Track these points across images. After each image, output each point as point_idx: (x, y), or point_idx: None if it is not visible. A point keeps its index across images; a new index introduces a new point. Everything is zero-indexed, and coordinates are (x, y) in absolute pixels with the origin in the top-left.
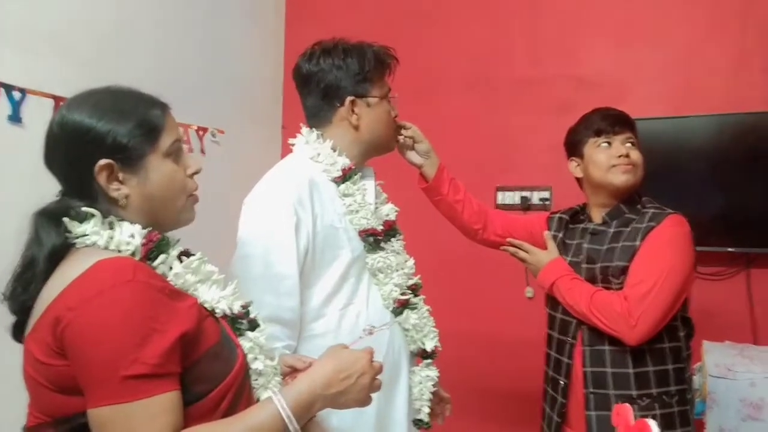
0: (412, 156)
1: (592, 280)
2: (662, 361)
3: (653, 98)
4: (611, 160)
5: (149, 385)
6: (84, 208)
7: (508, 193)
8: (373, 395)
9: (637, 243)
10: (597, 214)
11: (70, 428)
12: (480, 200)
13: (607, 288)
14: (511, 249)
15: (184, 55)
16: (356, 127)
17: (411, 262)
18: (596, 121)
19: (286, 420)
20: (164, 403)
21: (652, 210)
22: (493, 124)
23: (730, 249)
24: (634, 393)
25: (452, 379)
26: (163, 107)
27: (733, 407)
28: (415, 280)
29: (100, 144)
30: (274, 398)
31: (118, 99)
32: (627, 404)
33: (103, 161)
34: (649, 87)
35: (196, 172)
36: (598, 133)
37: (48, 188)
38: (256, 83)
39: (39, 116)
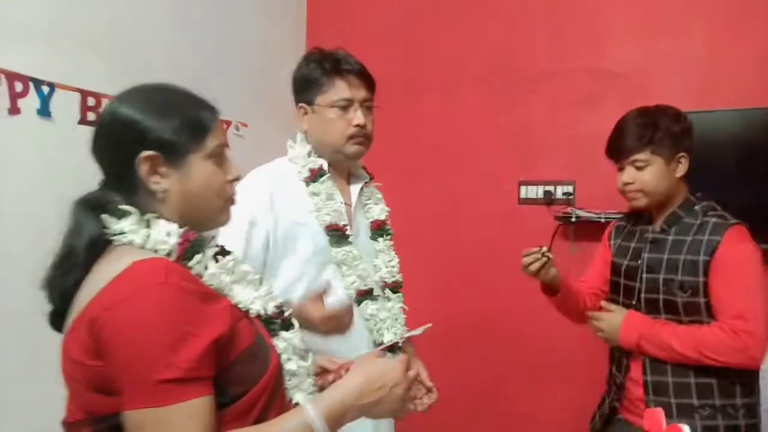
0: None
1: (653, 290)
2: (725, 373)
3: (678, 91)
4: (621, 185)
5: (183, 389)
6: (122, 206)
7: (531, 188)
8: None
9: (702, 258)
10: (655, 218)
11: (106, 427)
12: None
13: (672, 300)
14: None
15: (205, 49)
16: (306, 132)
17: (395, 261)
18: (611, 138)
19: (318, 431)
20: (198, 407)
21: (714, 219)
22: (515, 118)
23: (763, 246)
24: (696, 402)
25: (469, 374)
26: (213, 110)
27: None
28: (396, 277)
29: (146, 136)
30: (306, 407)
31: (170, 96)
32: (659, 408)
33: (146, 153)
34: (674, 80)
35: (236, 180)
36: (609, 156)
37: (77, 180)
38: (278, 76)
39: (67, 110)
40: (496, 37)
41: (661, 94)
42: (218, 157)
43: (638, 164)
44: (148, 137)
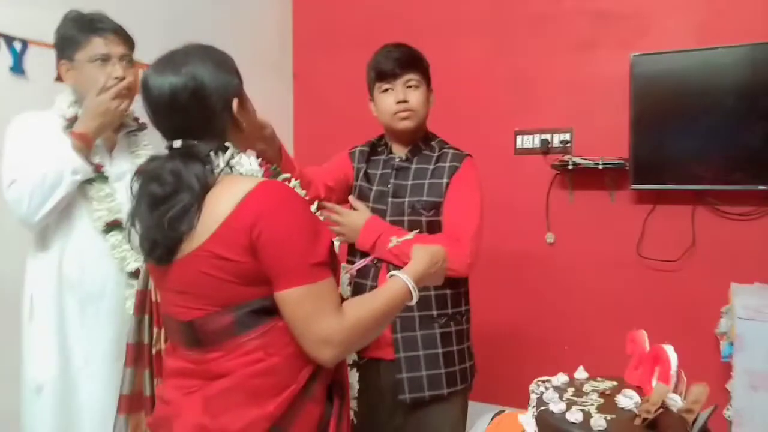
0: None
1: (399, 213)
2: (456, 285)
3: (680, 29)
4: (395, 104)
5: (324, 270)
6: (227, 144)
7: (527, 137)
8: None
9: (444, 180)
10: (397, 149)
11: (249, 311)
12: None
13: (417, 219)
14: (326, 213)
15: (192, 5)
16: (73, 86)
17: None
18: (379, 62)
19: (412, 290)
20: (332, 283)
21: (452, 150)
22: (510, 65)
23: (761, 187)
24: (435, 313)
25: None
26: None
27: (762, 349)
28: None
29: (232, 86)
30: (401, 277)
31: (221, 53)
32: (642, 330)
33: (235, 99)
34: (676, 16)
35: None
36: (380, 77)
37: None
38: (265, 32)
39: (42, 67)
40: None
41: (662, 33)
42: None
43: (411, 83)
44: (233, 86)
